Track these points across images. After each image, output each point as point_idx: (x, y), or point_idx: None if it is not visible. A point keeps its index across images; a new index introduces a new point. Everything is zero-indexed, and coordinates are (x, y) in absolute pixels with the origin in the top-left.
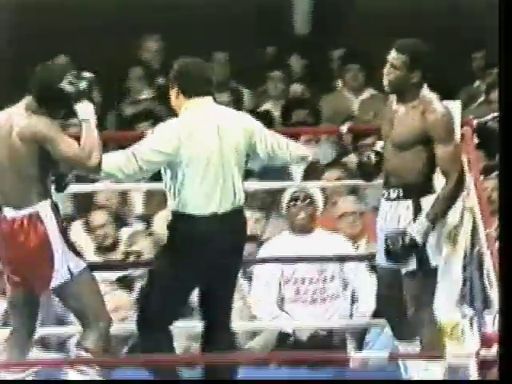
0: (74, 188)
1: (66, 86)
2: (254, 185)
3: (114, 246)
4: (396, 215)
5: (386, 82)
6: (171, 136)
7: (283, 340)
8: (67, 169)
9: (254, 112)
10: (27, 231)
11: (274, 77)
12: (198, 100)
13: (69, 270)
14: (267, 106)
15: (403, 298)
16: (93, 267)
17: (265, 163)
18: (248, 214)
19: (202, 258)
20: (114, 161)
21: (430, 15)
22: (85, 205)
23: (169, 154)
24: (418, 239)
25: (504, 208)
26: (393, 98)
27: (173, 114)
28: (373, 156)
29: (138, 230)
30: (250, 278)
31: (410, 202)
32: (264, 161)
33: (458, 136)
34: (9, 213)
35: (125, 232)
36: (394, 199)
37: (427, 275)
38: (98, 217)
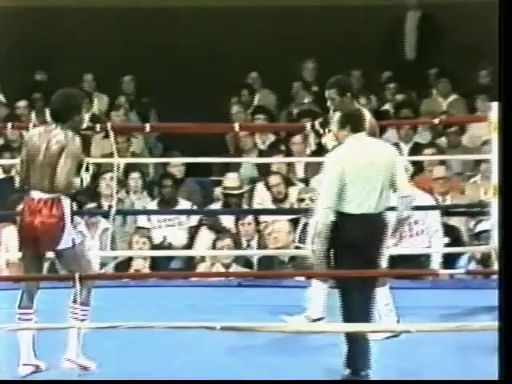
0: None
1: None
2: None
3: (284, 199)
4: None
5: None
6: (337, 169)
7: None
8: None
9: (378, 110)
10: (50, 207)
11: (390, 87)
12: (358, 134)
13: (72, 240)
14: (386, 106)
15: None
16: (273, 211)
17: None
18: None
19: (359, 248)
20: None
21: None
22: (265, 171)
23: (339, 182)
24: None
25: (504, 207)
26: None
27: (325, 112)
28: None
29: (301, 187)
30: None
31: None
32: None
33: None
34: (37, 195)
35: (293, 189)
36: None
37: None
38: (273, 179)
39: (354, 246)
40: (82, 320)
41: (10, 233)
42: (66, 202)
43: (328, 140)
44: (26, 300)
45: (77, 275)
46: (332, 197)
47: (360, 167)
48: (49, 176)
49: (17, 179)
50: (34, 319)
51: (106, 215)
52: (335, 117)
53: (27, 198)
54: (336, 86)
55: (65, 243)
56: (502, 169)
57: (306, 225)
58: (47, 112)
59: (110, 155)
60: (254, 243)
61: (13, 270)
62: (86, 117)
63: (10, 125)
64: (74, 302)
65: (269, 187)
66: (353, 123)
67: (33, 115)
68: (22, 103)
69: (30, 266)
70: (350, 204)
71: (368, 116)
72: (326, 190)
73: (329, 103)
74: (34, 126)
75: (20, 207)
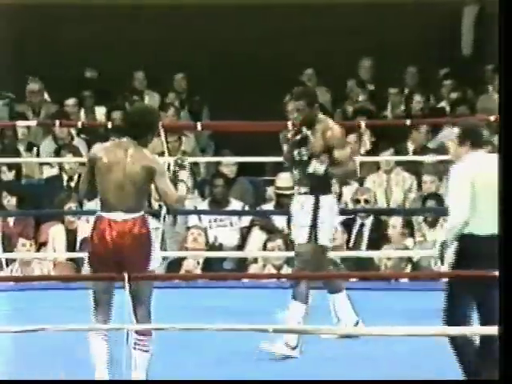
0: None
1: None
2: None
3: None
4: None
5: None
6: (464, 182)
7: None
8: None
9: (434, 108)
10: (140, 227)
11: (446, 84)
12: (478, 150)
13: (158, 260)
14: (442, 104)
15: None
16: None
17: None
18: None
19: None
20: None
21: None
22: None
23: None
24: None
25: (504, 209)
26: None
27: (381, 110)
28: None
29: (356, 187)
30: None
31: None
32: None
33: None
34: (120, 216)
35: (347, 189)
36: None
37: None
38: None
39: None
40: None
41: (58, 232)
42: (149, 221)
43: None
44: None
45: (126, 275)
46: (464, 210)
47: (485, 184)
48: (134, 195)
49: (79, 194)
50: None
51: (156, 215)
52: (454, 132)
53: (103, 219)
54: (304, 96)
55: (155, 263)
56: (503, 169)
57: (361, 226)
58: (97, 111)
59: (161, 155)
60: None
61: (60, 269)
62: None
63: (58, 122)
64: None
65: None
66: (473, 139)
67: (82, 113)
68: (71, 101)
69: (102, 295)
70: (477, 221)
71: (333, 125)
72: (457, 203)
73: (295, 115)
74: (83, 124)
75: (91, 229)
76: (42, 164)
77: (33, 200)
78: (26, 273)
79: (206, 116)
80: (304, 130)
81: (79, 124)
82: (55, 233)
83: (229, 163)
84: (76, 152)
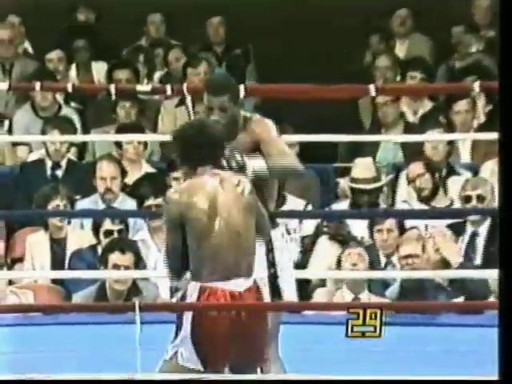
0: None
1: None
2: None
3: (431, 196)
4: None
5: None
6: None
7: None
8: None
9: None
10: (258, 298)
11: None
12: None
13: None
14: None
15: None
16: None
17: None
18: None
19: None
20: None
21: None
22: (415, 153)
23: None
24: None
25: (504, 209)
26: None
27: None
28: None
29: (466, 178)
30: None
31: None
32: None
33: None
34: (235, 285)
35: (454, 181)
36: None
37: None
38: (414, 168)
39: None
40: None
41: (39, 242)
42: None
43: None
44: None
45: (137, 303)
46: None
47: None
48: (244, 249)
49: (171, 270)
50: None
51: None
52: None
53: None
54: (228, 91)
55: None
56: (503, 168)
57: (474, 235)
58: (94, 69)
59: None
60: (395, 259)
61: (42, 295)
62: (156, 76)
63: (38, 85)
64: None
65: (409, 180)
66: None
67: (73, 72)
68: (56, 54)
69: None
70: None
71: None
72: None
73: (216, 116)
74: (75, 88)
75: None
76: (15, 144)
77: (2, 196)
78: None
79: (251, 76)
80: None
81: (69, 87)
82: (35, 243)
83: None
84: (64, 127)
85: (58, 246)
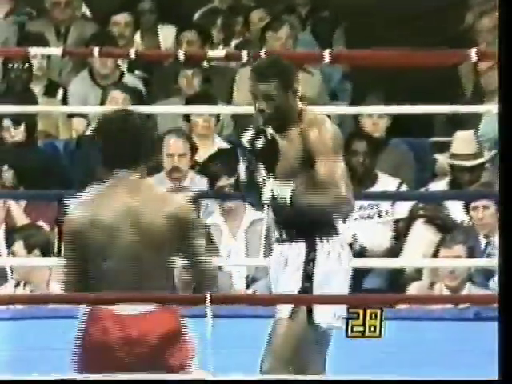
0: None
1: None
2: None
3: None
4: None
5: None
6: None
7: None
8: None
9: None
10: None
11: None
12: None
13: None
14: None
15: None
16: None
17: None
18: None
19: None
20: None
21: None
22: None
23: None
24: None
25: (504, 210)
26: None
27: None
28: None
29: None
30: None
31: None
32: None
33: None
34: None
35: None
36: None
37: None
38: None
39: None
40: None
41: None
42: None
43: None
44: None
45: (207, 296)
46: None
47: None
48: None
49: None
50: None
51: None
52: None
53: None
54: (275, 76)
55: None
56: (503, 168)
57: None
58: (161, 34)
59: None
60: (495, 239)
61: None
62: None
63: (96, 50)
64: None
65: None
66: None
67: (137, 37)
68: (121, 17)
69: None
70: None
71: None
72: None
73: (262, 105)
74: (138, 54)
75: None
76: (70, 116)
77: (55, 173)
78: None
79: (339, 41)
80: (269, 130)
81: (131, 53)
82: None
83: (376, 116)
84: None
85: None
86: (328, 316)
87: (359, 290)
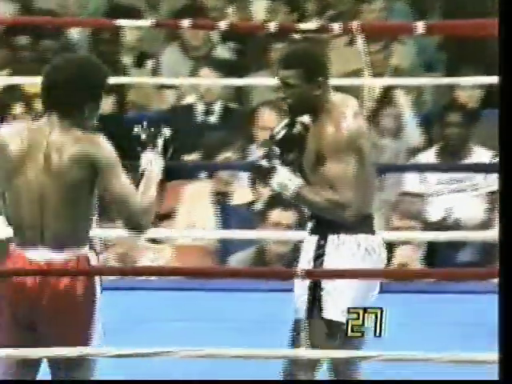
0: None
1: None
2: None
3: None
4: None
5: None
6: None
7: None
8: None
9: None
10: (73, 277)
11: None
12: None
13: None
14: None
15: None
16: None
17: None
18: None
19: None
20: None
21: None
22: None
23: None
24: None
25: (504, 211)
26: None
27: None
28: None
29: None
30: None
31: None
32: None
33: None
34: (42, 255)
35: None
36: None
37: None
38: None
39: None
40: None
41: (200, 196)
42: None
43: None
44: None
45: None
46: None
47: None
48: (65, 213)
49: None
50: None
51: None
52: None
53: (17, 256)
54: (297, 65)
55: (95, 340)
56: (503, 168)
57: None
58: (254, 5)
59: (356, 73)
60: None
61: (183, 256)
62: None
63: (186, 22)
64: None
65: None
66: None
67: (229, 9)
68: None
69: None
70: None
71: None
72: None
73: (284, 93)
74: (231, 25)
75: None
76: (162, 87)
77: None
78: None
79: (435, 13)
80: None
81: (222, 25)
82: (195, 198)
83: (471, 87)
84: (218, 69)
85: (222, 200)
86: (337, 312)
87: (453, 264)
